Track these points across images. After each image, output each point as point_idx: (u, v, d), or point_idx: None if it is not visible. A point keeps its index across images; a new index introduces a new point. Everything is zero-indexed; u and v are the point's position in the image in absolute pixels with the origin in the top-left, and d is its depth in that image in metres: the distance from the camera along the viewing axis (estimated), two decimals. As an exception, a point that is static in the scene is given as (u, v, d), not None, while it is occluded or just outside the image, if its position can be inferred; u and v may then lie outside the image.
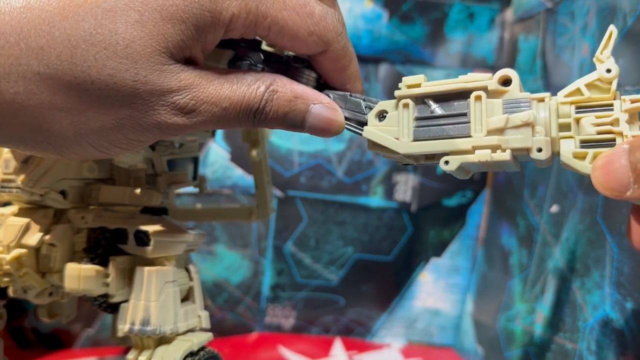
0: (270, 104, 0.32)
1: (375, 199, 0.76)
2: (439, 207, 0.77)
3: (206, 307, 0.74)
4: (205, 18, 0.30)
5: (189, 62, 0.32)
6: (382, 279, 0.77)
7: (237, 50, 0.36)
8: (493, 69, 0.74)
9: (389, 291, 0.78)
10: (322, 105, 0.34)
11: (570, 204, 0.53)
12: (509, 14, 0.74)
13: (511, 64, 0.71)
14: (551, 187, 0.57)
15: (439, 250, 0.78)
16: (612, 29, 0.31)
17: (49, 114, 0.30)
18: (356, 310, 0.77)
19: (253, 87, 0.32)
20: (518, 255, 0.63)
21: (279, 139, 0.76)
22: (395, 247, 0.77)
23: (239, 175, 0.74)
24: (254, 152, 0.54)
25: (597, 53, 0.31)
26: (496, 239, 0.70)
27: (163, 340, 0.41)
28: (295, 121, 0.33)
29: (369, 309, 0.78)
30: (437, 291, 0.78)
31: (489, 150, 0.32)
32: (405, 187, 0.76)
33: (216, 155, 0.75)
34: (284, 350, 0.72)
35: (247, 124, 0.33)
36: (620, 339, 0.43)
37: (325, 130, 0.34)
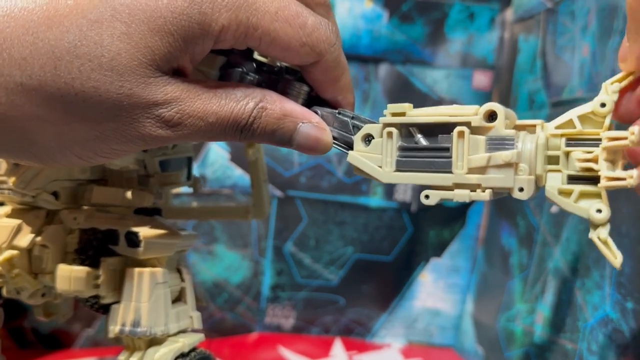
0: (258, 121, 0.32)
1: (375, 199, 0.76)
2: (439, 207, 0.77)
3: (206, 307, 0.74)
4: (194, 30, 0.30)
5: (177, 72, 0.31)
6: (382, 279, 0.77)
7: (230, 57, 0.36)
8: (493, 69, 0.74)
9: (389, 291, 0.78)
10: (311, 125, 0.34)
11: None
12: (509, 14, 0.74)
13: (511, 64, 0.71)
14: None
15: (439, 250, 0.78)
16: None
17: (32, 125, 0.30)
18: (356, 310, 0.78)
19: (242, 102, 0.32)
20: (518, 256, 0.63)
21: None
22: (395, 247, 0.77)
23: (239, 175, 0.74)
24: (250, 152, 0.54)
25: (608, 82, 0.30)
26: (496, 239, 0.70)
27: (154, 341, 0.41)
28: (283, 139, 0.33)
29: (369, 309, 0.78)
30: (437, 291, 0.78)
31: (467, 191, 0.32)
32: (405, 187, 0.76)
33: (216, 155, 0.75)
34: (284, 351, 0.72)
35: (233, 138, 0.32)
36: (620, 339, 0.43)
37: (312, 149, 0.34)
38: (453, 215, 0.77)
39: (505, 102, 0.72)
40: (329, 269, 0.77)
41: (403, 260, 0.77)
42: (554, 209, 0.56)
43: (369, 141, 0.34)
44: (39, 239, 0.42)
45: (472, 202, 0.76)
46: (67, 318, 0.51)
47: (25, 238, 0.41)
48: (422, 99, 0.74)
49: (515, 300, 0.62)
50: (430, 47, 0.74)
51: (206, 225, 0.74)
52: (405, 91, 0.74)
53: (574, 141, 0.31)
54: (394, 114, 0.34)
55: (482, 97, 0.74)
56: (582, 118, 0.31)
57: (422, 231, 0.77)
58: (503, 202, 0.71)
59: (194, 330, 0.44)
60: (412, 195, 0.76)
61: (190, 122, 0.31)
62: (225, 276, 0.75)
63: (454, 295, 0.77)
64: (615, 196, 0.46)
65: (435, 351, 0.76)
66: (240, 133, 0.32)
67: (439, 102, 0.74)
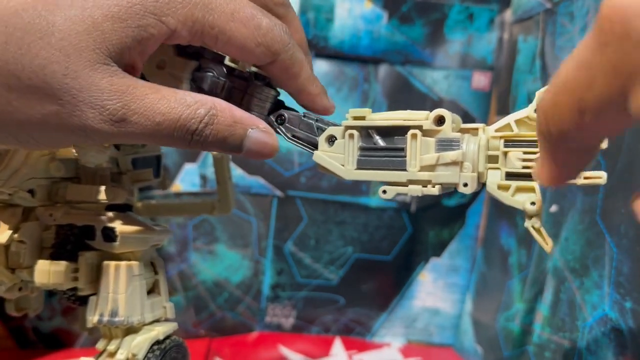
0: (210, 127, 0.33)
1: (375, 199, 0.76)
2: (439, 207, 0.77)
3: (206, 307, 0.75)
4: (148, 21, 0.31)
5: (128, 68, 0.32)
6: (382, 279, 0.78)
7: (201, 62, 0.38)
8: (492, 69, 0.75)
9: (388, 291, 0.78)
10: (259, 130, 0.35)
11: (570, 204, 0.53)
12: (508, 15, 0.74)
13: (510, 65, 0.71)
14: (550, 187, 0.58)
15: (438, 250, 0.78)
16: None
17: None
18: (356, 310, 0.78)
19: (192, 107, 0.32)
20: (517, 255, 0.64)
21: (279, 138, 0.76)
22: (395, 247, 0.77)
23: (239, 175, 0.74)
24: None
25: (541, 90, 0.34)
26: (495, 239, 0.70)
27: (131, 330, 0.43)
28: (233, 145, 0.34)
29: (368, 308, 0.78)
30: (436, 291, 0.78)
31: (420, 186, 0.36)
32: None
33: (216, 155, 0.75)
34: (284, 350, 0.72)
35: (182, 143, 0.32)
36: (619, 338, 0.43)
37: (260, 153, 0.35)
38: (452, 215, 0.77)
39: (504, 102, 0.72)
40: (329, 268, 0.77)
41: (403, 260, 0.77)
42: (553, 208, 0.56)
43: (332, 142, 0.38)
44: (16, 235, 0.43)
45: (471, 202, 0.77)
46: (38, 312, 0.52)
47: (4, 235, 0.43)
48: (421, 100, 0.74)
49: (515, 299, 0.62)
50: (430, 48, 0.75)
51: (207, 225, 0.74)
52: (405, 92, 0.74)
53: (511, 142, 0.35)
54: (355, 118, 0.37)
55: (482, 97, 0.75)
56: (519, 122, 0.35)
57: (421, 231, 0.77)
58: (502, 202, 0.71)
59: (167, 320, 0.46)
60: (412, 195, 0.76)
61: (136, 119, 0.31)
62: (225, 276, 0.75)
63: (454, 295, 0.78)
64: (615, 196, 0.46)
65: (434, 350, 0.76)
66: (191, 138, 0.32)
67: (438, 102, 0.74)
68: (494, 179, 0.35)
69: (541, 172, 0.29)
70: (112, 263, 0.43)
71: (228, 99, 0.40)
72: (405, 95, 0.74)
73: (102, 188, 0.44)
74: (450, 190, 0.36)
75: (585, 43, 0.23)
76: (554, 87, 0.25)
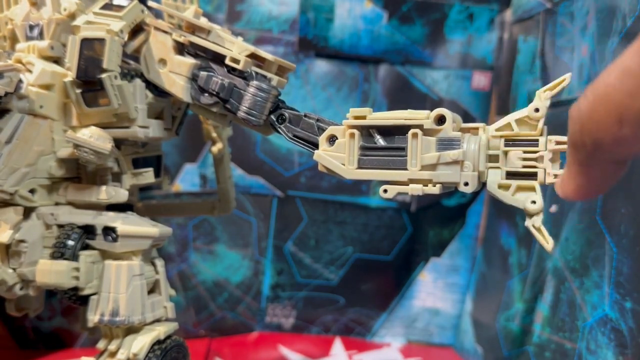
0: None
1: (375, 199, 0.76)
2: (439, 206, 0.77)
3: (206, 307, 0.75)
4: None
5: None
6: (382, 279, 0.78)
7: (201, 61, 0.39)
8: (492, 69, 0.75)
9: (388, 291, 0.78)
10: None
11: (570, 203, 0.53)
12: (509, 15, 0.74)
13: (510, 65, 0.71)
14: (550, 187, 0.58)
15: (438, 250, 0.78)
16: (567, 77, 0.35)
17: None
18: (356, 310, 0.78)
19: None
20: (517, 255, 0.64)
21: (279, 138, 0.76)
22: (395, 246, 0.77)
23: (239, 175, 0.74)
24: (215, 150, 0.55)
25: (541, 90, 0.34)
26: (495, 239, 0.70)
27: (131, 329, 0.44)
28: None
29: (368, 308, 0.78)
30: (436, 291, 0.78)
31: (421, 185, 0.36)
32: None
33: (216, 155, 0.75)
34: (284, 350, 0.72)
35: None
36: (619, 338, 0.43)
37: None
38: (452, 215, 0.77)
39: (504, 102, 0.72)
40: (329, 268, 0.77)
41: (403, 260, 0.77)
42: (553, 208, 0.56)
43: (333, 141, 0.38)
44: (17, 234, 0.43)
45: (471, 202, 0.77)
46: (38, 312, 0.52)
47: (5, 234, 0.43)
48: (421, 100, 0.74)
49: (515, 299, 0.62)
50: (430, 48, 0.75)
51: (207, 225, 0.74)
52: (405, 91, 0.74)
53: (511, 141, 0.35)
54: (356, 117, 0.37)
55: (482, 97, 0.75)
56: (519, 121, 0.35)
57: (421, 231, 0.77)
58: (502, 201, 0.71)
59: (168, 320, 0.46)
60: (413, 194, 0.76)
61: None
62: (225, 276, 0.75)
63: (454, 295, 0.78)
64: (615, 196, 0.46)
65: (434, 350, 0.76)
66: None
67: (438, 102, 0.74)
68: (495, 178, 0.35)
69: (569, 186, 0.28)
70: (113, 263, 0.43)
71: (229, 98, 0.40)
72: (405, 95, 0.74)
73: (103, 188, 0.45)
74: (450, 190, 0.36)
75: (634, 51, 0.22)
76: (592, 96, 0.24)
